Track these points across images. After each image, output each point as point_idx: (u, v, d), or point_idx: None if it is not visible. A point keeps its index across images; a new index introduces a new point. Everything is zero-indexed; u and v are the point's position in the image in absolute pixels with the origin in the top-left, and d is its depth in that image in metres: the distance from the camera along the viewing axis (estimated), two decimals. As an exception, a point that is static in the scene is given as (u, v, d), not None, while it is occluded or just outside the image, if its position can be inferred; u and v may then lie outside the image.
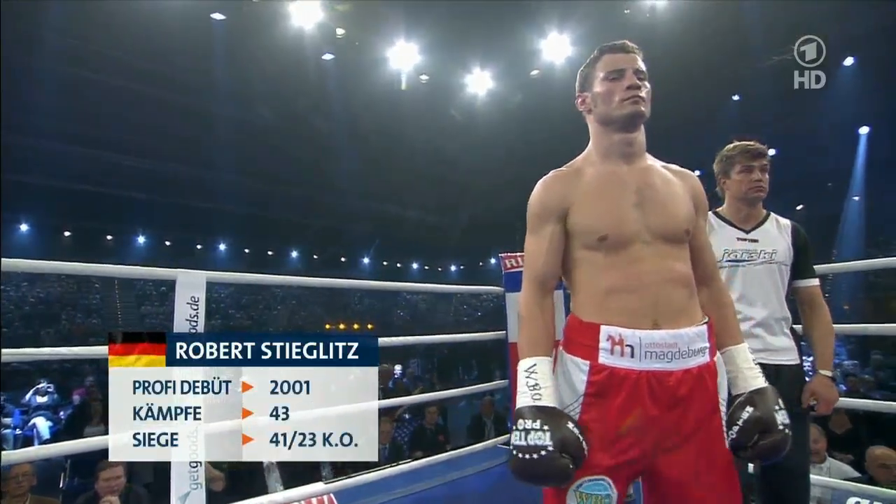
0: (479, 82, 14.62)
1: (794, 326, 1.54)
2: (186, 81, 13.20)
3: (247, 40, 12.29)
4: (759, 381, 1.03)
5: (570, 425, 0.94)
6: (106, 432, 1.32)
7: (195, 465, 1.41)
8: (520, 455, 0.93)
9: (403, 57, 13.33)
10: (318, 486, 1.72)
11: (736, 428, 0.99)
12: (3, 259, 1.28)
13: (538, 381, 0.98)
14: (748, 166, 1.51)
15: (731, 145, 1.57)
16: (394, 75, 13.71)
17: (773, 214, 1.58)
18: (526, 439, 0.92)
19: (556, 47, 12.92)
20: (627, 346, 0.96)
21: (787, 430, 1.00)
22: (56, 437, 5.41)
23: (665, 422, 0.96)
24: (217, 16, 11.71)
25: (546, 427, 0.92)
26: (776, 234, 1.53)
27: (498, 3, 11.54)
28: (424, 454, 3.04)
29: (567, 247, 1.07)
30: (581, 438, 0.93)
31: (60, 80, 11.81)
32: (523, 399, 0.97)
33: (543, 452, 0.90)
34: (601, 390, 0.97)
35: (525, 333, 1.05)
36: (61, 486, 3.94)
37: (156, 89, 12.97)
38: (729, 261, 1.53)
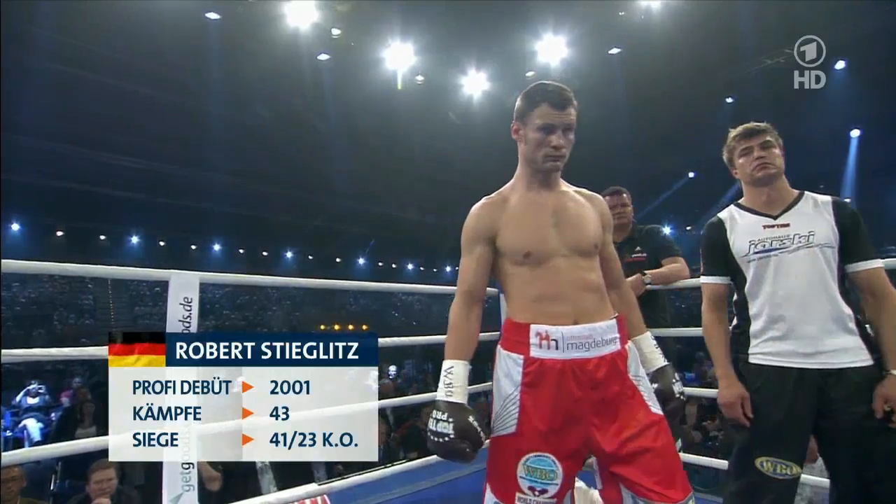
0: (475, 83, 14.65)
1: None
2: (181, 81, 13.12)
3: (241, 40, 12.23)
4: (661, 361, 1.30)
5: (471, 418, 1.12)
6: (97, 434, 1.31)
7: (187, 466, 1.40)
8: (432, 437, 1.13)
9: (399, 57, 13.33)
10: (311, 487, 1.72)
11: None
12: (3, 260, 1.26)
13: (452, 381, 1.15)
14: (747, 147, 1.40)
15: (730, 133, 1.46)
16: (389, 76, 13.70)
17: (808, 193, 1.38)
18: (436, 427, 1.12)
19: (551, 49, 12.96)
20: (553, 340, 1.15)
21: (682, 397, 1.26)
22: (47, 439, 5.36)
23: (589, 401, 1.14)
24: (211, 15, 11.66)
25: (451, 419, 1.11)
26: (812, 213, 1.33)
27: (493, 4, 11.57)
28: (419, 455, 3.04)
29: (500, 264, 1.26)
30: (479, 429, 1.11)
31: (53, 79, 11.70)
32: (439, 394, 1.16)
33: (447, 438, 1.10)
34: (534, 380, 1.15)
35: (450, 338, 1.22)
36: (52, 488, 3.90)
37: (149, 88, 12.87)
38: (757, 252, 1.34)
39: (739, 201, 1.47)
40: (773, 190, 1.38)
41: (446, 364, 1.18)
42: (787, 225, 1.34)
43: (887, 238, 13.61)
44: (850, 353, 1.26)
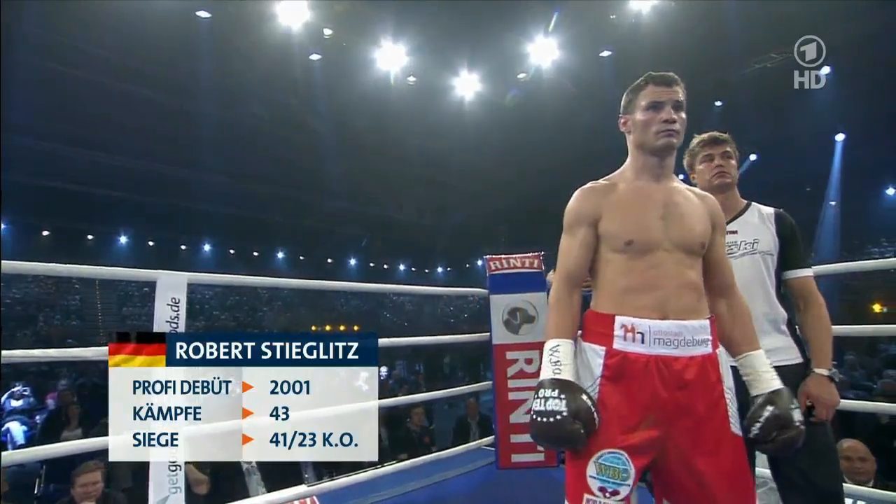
0: (467, 84, 14.67)
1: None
2: (171, 80, 13.00)
3: (233, 39, 12.15)
4: (777, 383, 1.13)
5: (585, 397, 1.06)
6: (84, 436, 1.30)
7: (174, 468, 1.38)
8: (538, 419, 1.06)
9: (391, 58, 13.31)
10: (300, 489, 1.71)
11: (758, 424, 1.09)
12: (2, 261, 1.25)
13: (560, 359, 1.10)
14: (708, 155, 1.49)
15: (695, 139, 1.55)
16: (381, 76, 13.68)
17: (755, 204, 1.50)
18: (545, 405, 1.05)
19: (543, 51, 13.03)
20: (638, 333, 1.08)
21: (801, 427, 1.10)
22: (31, 442, 5.26)
23: (675, 402, 1.06)
24: (202, 14, 11.56)
25: (563, 396, 1.05)
26: (758, 223, 1.45)
27: (485, 6, 11.60)
28: (409, 456, 3.03)
29: (596, 250, 1.20)
30: (593, 409, 1.05)
31: (42, 77, 11.53)
32: (546, 373, 1.10)
33: (558, 416, 1.03)
34: (616, 373, 1.09)
35: (553, 318, 1.17)
36: (36, 492, 3.83)
37: (139, 87, 12.74)
38: None
39: None
40: (726, 198, 1.47)
41: (551, 343, 1.13)
42: (735, 232, 1.44)
43: (870, 239, 13.85)
44: (781, 351, 1.36)
